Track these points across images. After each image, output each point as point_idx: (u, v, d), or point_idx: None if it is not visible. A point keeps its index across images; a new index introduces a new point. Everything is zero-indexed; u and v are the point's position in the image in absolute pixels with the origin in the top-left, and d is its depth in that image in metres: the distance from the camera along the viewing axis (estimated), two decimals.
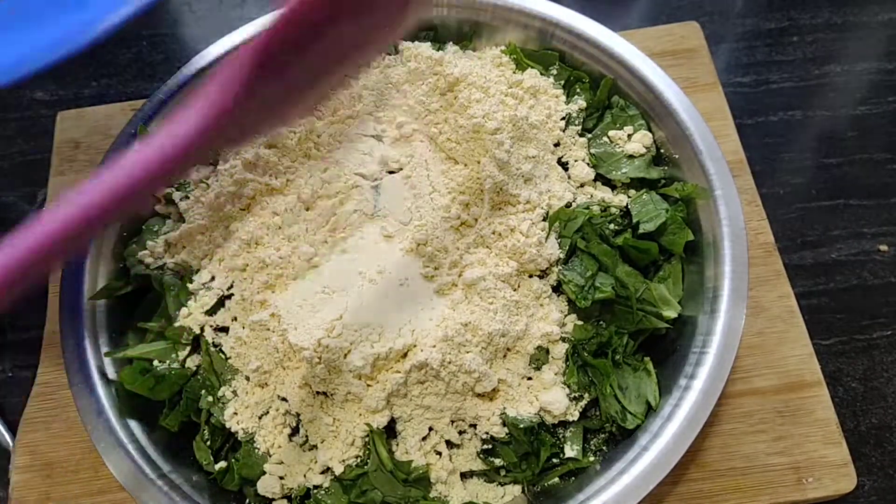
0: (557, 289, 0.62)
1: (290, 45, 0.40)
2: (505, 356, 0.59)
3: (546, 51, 0.72)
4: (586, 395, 0.59)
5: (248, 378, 0.60)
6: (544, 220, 0.61)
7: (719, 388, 0.56)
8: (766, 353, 0.67)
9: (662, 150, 0.67)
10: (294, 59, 0.41)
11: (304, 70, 0.43)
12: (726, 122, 0.78)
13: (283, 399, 0.59)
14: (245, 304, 0.60)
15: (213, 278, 0.62)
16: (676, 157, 0.66)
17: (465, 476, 0.59)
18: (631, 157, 0.66)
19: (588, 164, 0.66)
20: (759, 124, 0.85)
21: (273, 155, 0.65)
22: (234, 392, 0.60)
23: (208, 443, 0.60)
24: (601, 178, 0.67)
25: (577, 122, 0.68)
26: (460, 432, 0.59)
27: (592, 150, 0.67)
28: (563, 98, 0.69)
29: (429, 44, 0.70)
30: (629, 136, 0.67)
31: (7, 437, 0.69)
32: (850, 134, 0.84)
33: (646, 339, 0.62)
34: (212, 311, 0.62)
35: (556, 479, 0.59)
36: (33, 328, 0.75)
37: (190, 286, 0.62)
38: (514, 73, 0.69)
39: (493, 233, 0.60)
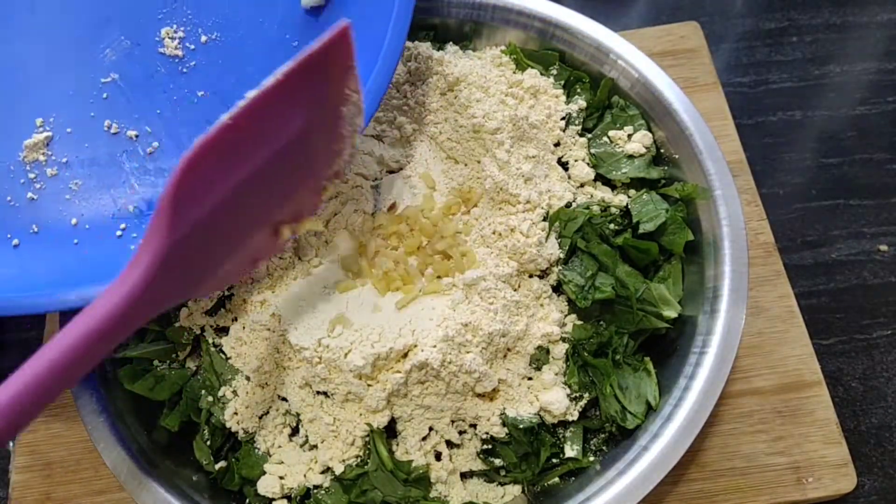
0: (557, 289, 0.62)
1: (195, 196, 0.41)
2: (505, 356, 0.59)
3: (546, 51, 0.72)
4: (586, 395, 0.59)
5: (248, 378, 0.60)
6: (544, 220, 0.61)
7: (719, 388, 0.56)
8: (766, 353, 0.67)
9: (662, 150, 0.67)
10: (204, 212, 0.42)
11: (226, 221, 0.44)
12: (726, 122, 0.78)
13: (284, 399, 0.59)
14: (245, 305, 0.60)
15: None
16: (676, 157, 0.66)
17: (465, 476, 0.60)
18: (631, 157, 0.66)
19: (588, 164, 0.66)
20: (759, 124, 0.85)
21: None
22: (235, 392, 0.60)
23: (208, 443, 0.60)
24: (601, 178, 0.67)
25: (577, 122, 0.68)
26: (460, 432, 0.59)
27: (592, 150, 0.67)
28: (563, 98, 0.69)
29: (429, 44, 0.70)
30: (629, 136, 0.67)
31: None
32: (850, 134, 0.84)
33: (646, 339, 0.62)
34: (212, 312, 0.62)
35: (556, 479, 0.59)
36: (33, 328, 0.75)
37: None
38: (514, 73, 0.69)
39: (493, 233, 0.60)
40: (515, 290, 0.59)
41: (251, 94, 0.42)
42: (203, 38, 0.64)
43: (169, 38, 0.64)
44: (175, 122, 0.62)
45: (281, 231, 0.51)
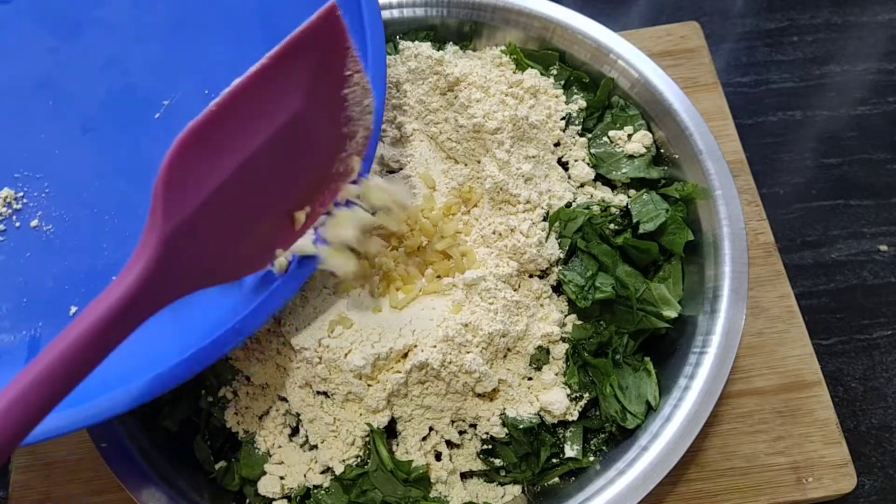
0: (557, 289, 0.62)
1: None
2: (505, 356, 0.59)
3: (546, 51, 0.72)
4: (586, 395, 0.59)
5: (248, 378, 0.60)
6: (544, 220, 0.61)
7: (719, 388, 0.56)
8: (766, 353, 0.67)
9: (662, 150, 0.67)
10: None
11: (227, 208, 0.44)
12: (726, 122, 0.78)
13: (284, 399, 0.59)
14: None
15: None
16: (676, 157, 0.66)
17: (465, 476, 0.60)
18: (631, 157, 0.66)
19: (588, 164, 0.66)
20: (759, 124, 0.85)
21: None
22: (235, 392, 0.60)
23: (208, 443, 0.60)
24: (601, 178, 0.67)
25: (577, 122, 0.68)
26: (460, 432, 0.59)
27: (592, 150, 0.67)
28: (563, 98, 0.69)
29: (429, 44, 0.70)
30: (629, 136, 0.67)
31: None
32: (850, 134, 0.84)
33: (646, 339, 0.62)
34: None
35: (556, 479, 0.59)
36: None
37: None
38: (514, 73, 0.69)
39: (494, 233, 0.60)
40: (515, 291, 0.59)
41: (237, 80, 0.41)
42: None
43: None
44: None
45: (296, 217, 0.51)
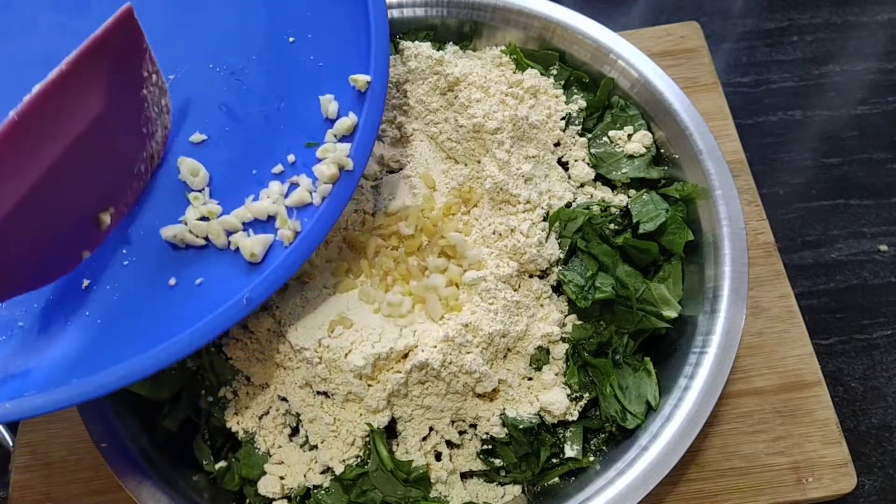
0: (557, 289, 0.62)
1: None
2: (505, 356, 0.59)
3: (546, 51, 0.72)
4: (586, 395, 0.59)
5: (248, 378, 0.60)
6: (544, 220, 0.61)
7: (719, 388, 0.56)
8: (766, 353, 0.67)
9: (662, 150, 0.67)
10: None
11: (31, 215, 0.44)
12: (726, 122, 0.78)
13: (284, 399, 0.59)
14: None
15: None
16: (676, 157, 0.66)
17: (465, 476, 0.60)
18: (631, 157, 0.66)
19: (588, 164, 0.66)
20: (759, 124, 0.85)
21: None
22: (235, 392, 0.60)
23: (208, 443, 0.60)
24: (601, 178, 0.67)
25: (577, 122, 0.68)
26: (461, 432, 0.59)
27: (592, 150, 0.67)
28: (563, 98, 0.69)
29: (429, 44, 0.70)
30: (629, 136, 0.67)
31: (7, 437, 0.69)
32: (850, 134, 0.84)
33: (646, 339, 0.62)
34: None
35: (556, 479, 0.59)
36: None
37: None
38: (514, 73, 0.69)
39: (494, 233, 0.60)
40: (516, 291, 0.59)
41: (37, 87, 0.41)
42: None
43: None
44: None
45: (100, 219, 0.51)
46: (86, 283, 0.54)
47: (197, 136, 0.57)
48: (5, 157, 0.40)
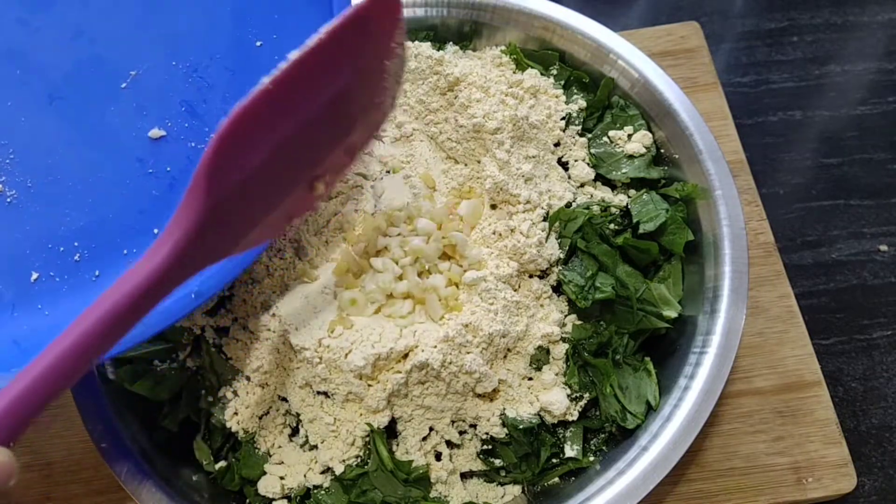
0: (557, 289, 0.62)
1: (242, 150, 0.40)
2: (505, 357, 0.59)
3: (546, 51, 0.72)
4: (586, 395, 0.59)
5: (248, 378, 0.60)
6: (544, 220, 0.61)
7: (719, 388, 0.56)
8: (766, 353, 0.67)
9: (662, 150, 0.67)
10: (251, 165, 0.41)
11: (264, 181, 0.43)
12: (726, 122, 0.78)
13: (284, 399, 0.59)
14: (245, 305, 0.60)
15: None
16: (676, 157, 0.66)
17: (465, 476, 0.60)
18: (631, 157, 0.66)
19: (588, 164, 0.66)
20: (759, 124, 0.85)
21: None
22: (235, 392, 0.60)
23: (208, 443, 0.60)
24: (601, 178, 0.67)
25: (577, 122, 0.68)
26: (461, 432, 0.59)
27: (592, 150, 0.67)
28: (563, 98, 0.69)
29: (429, 44, 0.70)
30: (629, 136, 0.67)
31: None
32: (850, 134, 0.84)
33: (646, 339, 0.62)
34: (212, 312, 0.62)
35: (556, 479, 0.59)
36: None
37: None
38: (514, 73, 0.69)
39: (493, 233, 0.60)
40: (516, 291, 0.59)
41: (293, 54, 0.40)
42: None
43: None
44: None
45: (316, 186, 0.50)
46: (35, 275, 0.54)
47: (156, 132, 0.57)
48: (252, 123, 0.40)
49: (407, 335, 0.56)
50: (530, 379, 0.59)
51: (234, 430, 0.59)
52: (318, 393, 0.58)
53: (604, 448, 0.60)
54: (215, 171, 0.39)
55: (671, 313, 0.60)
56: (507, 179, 0.61)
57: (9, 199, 0.57)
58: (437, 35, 0.75)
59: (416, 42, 0.69)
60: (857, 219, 0.79)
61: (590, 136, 0.68)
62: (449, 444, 0.59)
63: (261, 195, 0.45)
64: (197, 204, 0.39)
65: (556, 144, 0.67)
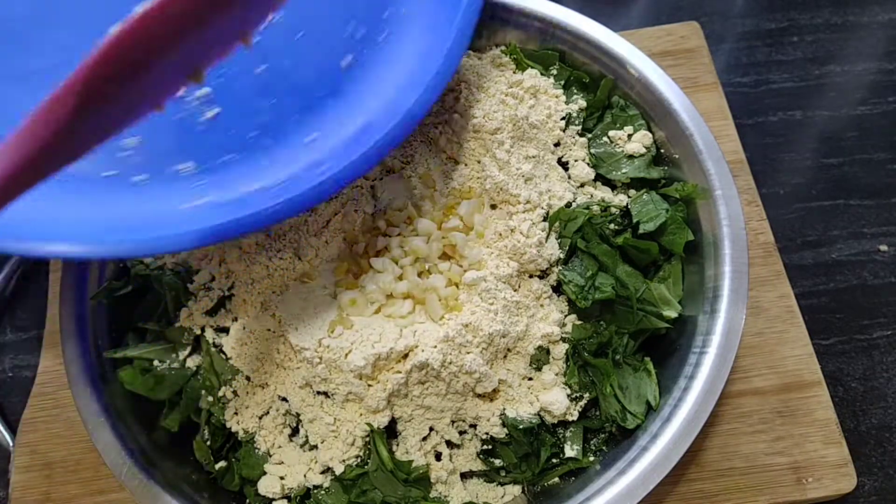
0: (557, 289, 0.62)
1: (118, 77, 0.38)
2: (505, 357, 0.59)
3: (546, 51, 0.72)
4: (586, 395, 0.59)
5: (248, 378, 0.60)
6: (544, 220, 0.61)
7: (719, 388, 0.56)
8: (766, 353, 0.67)
9: (662, 150, 0.67)
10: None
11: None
12: (726, 122, 0.78)
13: (284, 399, 0.59)
14: (245, 305, 0.60)
15: (213, 279, 0.62)
16: (676, 157, 0.66)
17: (465, 476, 0.60)
18: (631, 157, 0.66)
19: (588, 164, 0.66)
20: (759, 124, 0.85)
21: None
22: (235, 392, 0.60)
23: (208, 443, 0.60)
24: (601, 178, 0.67)
25: (577, 122, 0.68)
26: (461, 432, 0.59)
27: (592, 150, 0.67)
28: (563, 98, 0.69)
29: None
30: (629, 136, 0.67)
31: (7, 437, 0.69)
32: (850, 134, 0.84)
33: (646, 339, 0.62)
34: (212, 312, 0.62)
35: (556, 479, 0.59)
36: (33, 328, 0.75)
37: (190, 286, 0.62)
38: (514, 73, 0.69)
39: (494, 233, 0.60)
40: (515, 291, 0.59)
41: None
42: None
43: None
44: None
45: (198, 73, 0.49)
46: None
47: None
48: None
49: (407, 335, 0.56)
50: (530, 379, 0.59)
51: (233, 430, 0.59)
52: (318, 393, 0.58)
53: (604, 448, 0.60)
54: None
55: (671, 313, 0.60)
56: (507, 179, 0.61)
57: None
58: None
59: None
60: (857, 219, 0.79)
61: (590, 136, 0.68)
62: (449, 444, 0.59)
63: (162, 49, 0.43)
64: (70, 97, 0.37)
65: (556, 144, 0.67)
